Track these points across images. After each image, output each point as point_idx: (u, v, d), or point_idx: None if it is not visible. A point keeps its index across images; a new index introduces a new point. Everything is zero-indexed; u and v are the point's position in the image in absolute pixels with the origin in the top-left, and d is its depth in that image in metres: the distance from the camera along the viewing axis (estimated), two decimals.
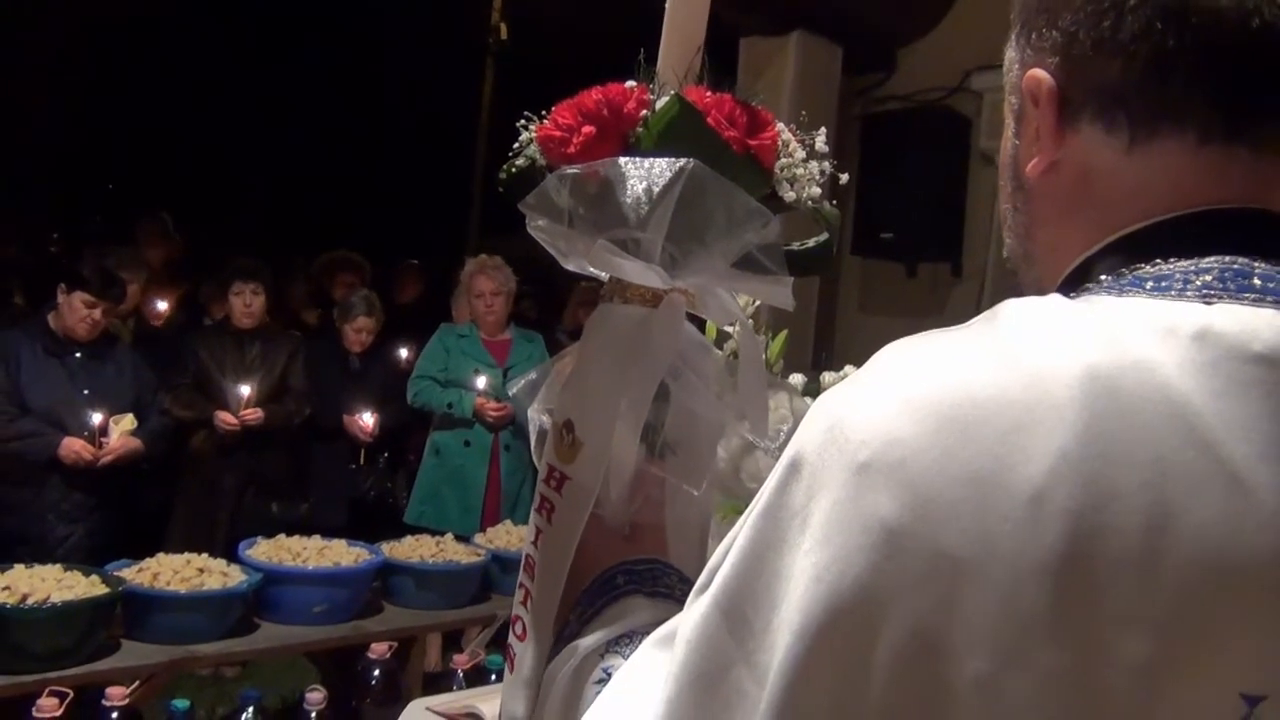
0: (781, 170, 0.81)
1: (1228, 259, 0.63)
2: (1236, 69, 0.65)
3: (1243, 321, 0.59)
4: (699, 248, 0.81)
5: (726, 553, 0.63)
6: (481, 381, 4.61)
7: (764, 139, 0.79)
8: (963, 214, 4.80)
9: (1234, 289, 0.62)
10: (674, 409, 0.90)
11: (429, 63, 12.02)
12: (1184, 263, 0.64)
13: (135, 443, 4.03)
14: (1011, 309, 0.63)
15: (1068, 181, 0.71)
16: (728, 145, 0.78)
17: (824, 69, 4.78)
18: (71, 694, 2.36)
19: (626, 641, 0.83)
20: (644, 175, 0.76)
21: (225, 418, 4.50)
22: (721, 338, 1.38)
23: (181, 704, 2.46)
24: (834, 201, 0.89)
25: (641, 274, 0.81)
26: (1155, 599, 0.54)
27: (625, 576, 0.89)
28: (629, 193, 0.77)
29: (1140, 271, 0.65)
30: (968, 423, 0.56)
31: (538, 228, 0.84)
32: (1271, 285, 0.62)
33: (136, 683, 2.58)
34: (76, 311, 3.96)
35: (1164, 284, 0.63)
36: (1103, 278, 0.67)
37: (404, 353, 5.38)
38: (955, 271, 4.84)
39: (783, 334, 1.84)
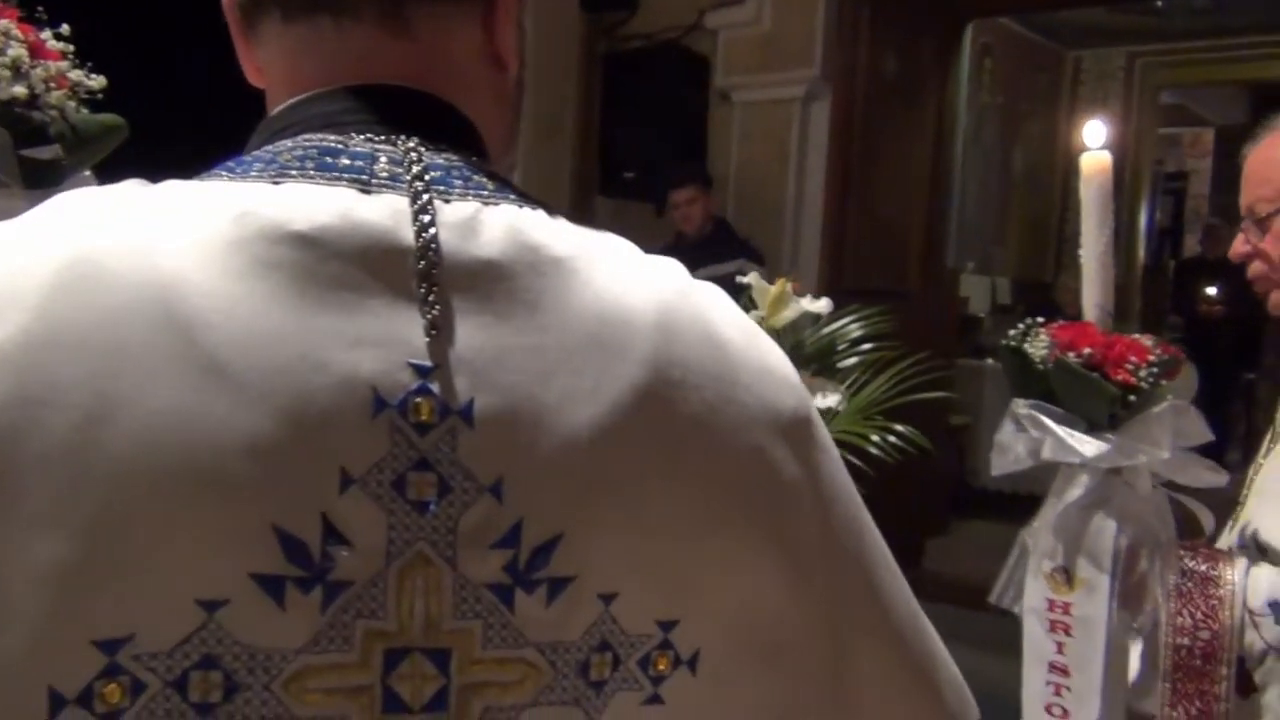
0: None
1: (317, 137, 0.59)
2: None
3: (297, 200, 0.55)
4: None
5: None
6: None
7: None
8: (705, 151, 4.80)
9: (312, 168, 0.57)
10: None
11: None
12: (280, 144, 0.60)
13: None
14: (60, 199, 0.56)
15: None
16: None
17: (561, 6, 4.74)
18: None
19: None
20: None
21: None
22: None
23: None
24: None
25: None
26: (81, 498, 0.48)
27: None
28: None
29: (240, 158, 0.60)
30: None
31: None
32: (359, 165, 0.58)
33: None
34: None
35: (245, 166, 0.58)
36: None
37: None
38: None
39: None
